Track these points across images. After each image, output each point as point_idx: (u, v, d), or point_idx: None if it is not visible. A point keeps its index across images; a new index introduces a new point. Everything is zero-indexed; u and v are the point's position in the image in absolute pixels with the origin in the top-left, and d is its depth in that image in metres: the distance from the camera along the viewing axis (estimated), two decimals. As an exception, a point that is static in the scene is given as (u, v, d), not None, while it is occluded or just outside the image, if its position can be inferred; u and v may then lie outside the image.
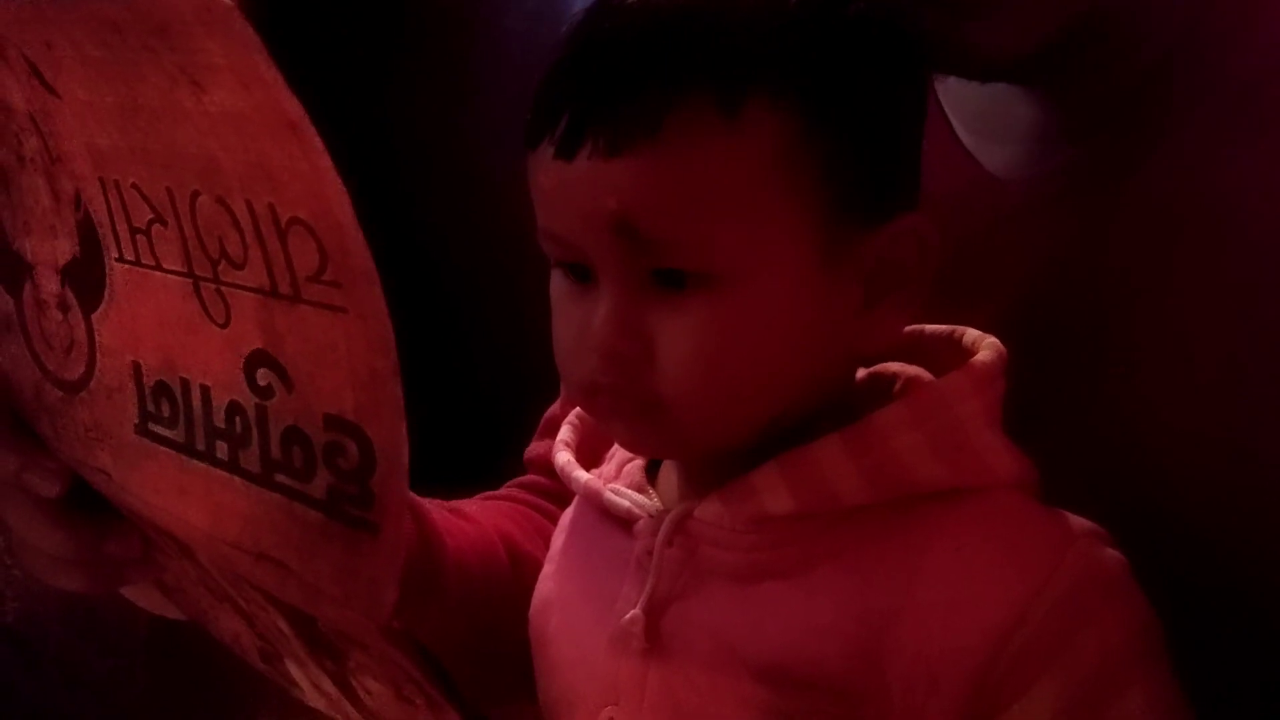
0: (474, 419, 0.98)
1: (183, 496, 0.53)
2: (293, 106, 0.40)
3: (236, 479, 0.50)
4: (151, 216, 0.50)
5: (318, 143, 0.40)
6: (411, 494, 0.68)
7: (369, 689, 0.53)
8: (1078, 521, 0.56)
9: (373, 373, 0.43)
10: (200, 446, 0.51)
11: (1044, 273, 0.65)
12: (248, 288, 0.47)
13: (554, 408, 0.75)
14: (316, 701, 0.63)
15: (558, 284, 0.59)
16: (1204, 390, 0.61)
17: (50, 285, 0.58)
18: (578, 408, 0.68)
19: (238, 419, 0.49)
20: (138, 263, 0.52)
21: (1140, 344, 0.62)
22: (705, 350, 0.54)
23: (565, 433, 0.67)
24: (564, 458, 0.66)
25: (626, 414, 0.56)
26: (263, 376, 0.47)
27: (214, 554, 0.54)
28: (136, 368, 0.54)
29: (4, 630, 1.00)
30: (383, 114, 1.17)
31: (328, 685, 0.58)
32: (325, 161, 0.40)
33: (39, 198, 0.57)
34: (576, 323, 0.57)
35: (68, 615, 0.98)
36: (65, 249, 0.56)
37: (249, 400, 0.48)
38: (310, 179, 0.41)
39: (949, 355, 0.60)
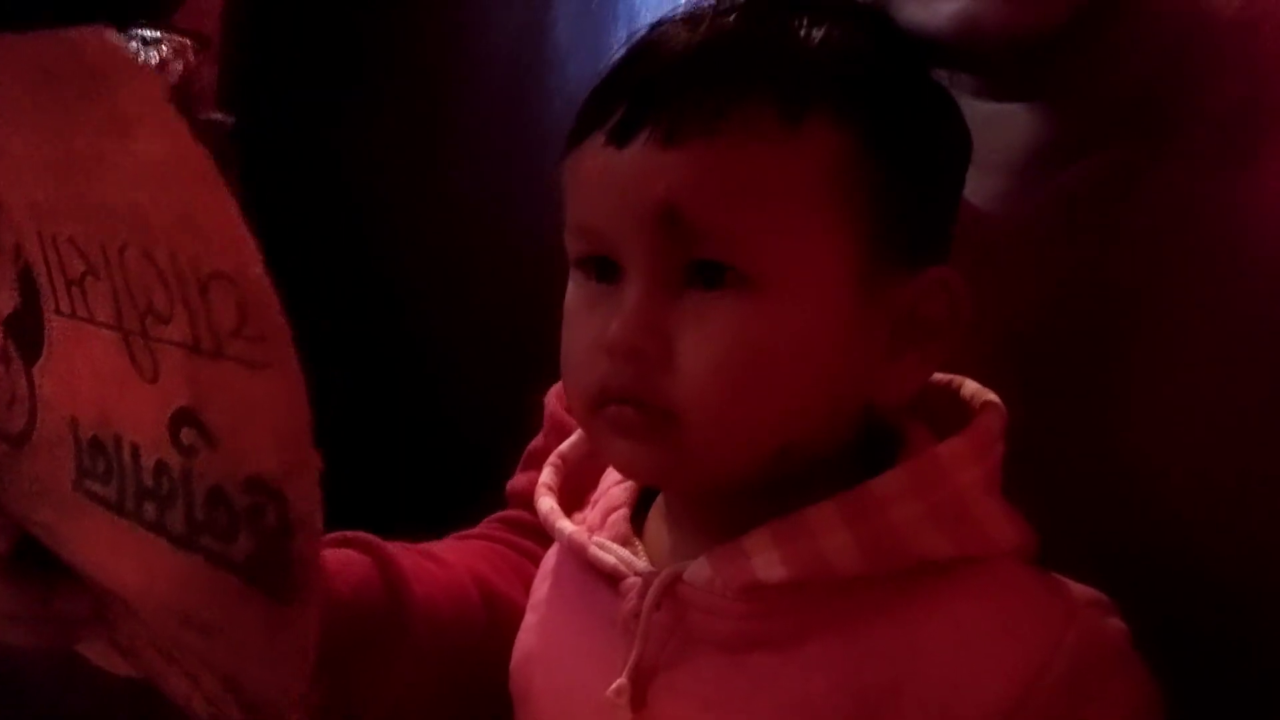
0: (454, 450, 0.96)
1: (115, 555, 0.52)
2: (201, 157, 0.39)
3: (163, 540, 0.48)
4: (84, 269, 0.49)
5: (228, 193, 0.39)
6: (376, 538, 0.66)
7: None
8: (1079, 590, 0.55)
9: (293, 434, 0.41)
10: (130, 505, 0.50)
11: (1036, 304, 0.64)
12: (174, 342, 0.45)
13: (536, 441, 0.73)
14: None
15: (575, 292, 0.57)
16: (1207, 416, 0.59)
17: (-6, 337, 0.57)
18: (560, 447, 0.66)
19: (164, 478, 0.48)
20: (73, 315, 0.51)
21: (1139, 373, 0.61)
22: (730, 356, 0.52)
23: (547, 475, 0.64)
24: (547, 504, 0.63)
25: (632, 427, 0.54)
26: (186, 435, 0.46)
27: (149, 614, 0.52)
28: (74, 422, 0.53)
29: (-11, 667, 1.00)
30: (365, 133, 1.17)
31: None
32: (235, 212, 0.39)
33: (-18, 249, 0.56)
34: (592, 329, 0.54)
35: (53, 653, 0.98)
36: (7, 300, 0.55)
37: (175, 460, 0.47)
38: (229, 230, 0.40)
39: (947, 408, 0.58)
